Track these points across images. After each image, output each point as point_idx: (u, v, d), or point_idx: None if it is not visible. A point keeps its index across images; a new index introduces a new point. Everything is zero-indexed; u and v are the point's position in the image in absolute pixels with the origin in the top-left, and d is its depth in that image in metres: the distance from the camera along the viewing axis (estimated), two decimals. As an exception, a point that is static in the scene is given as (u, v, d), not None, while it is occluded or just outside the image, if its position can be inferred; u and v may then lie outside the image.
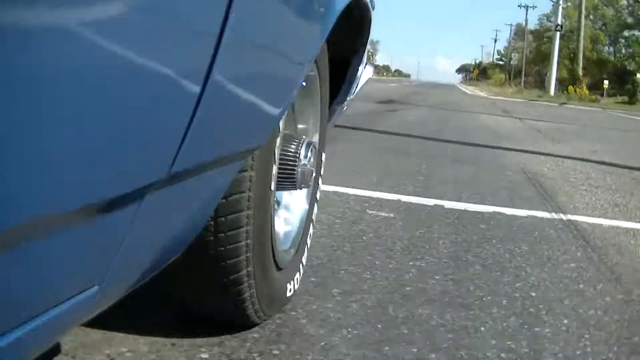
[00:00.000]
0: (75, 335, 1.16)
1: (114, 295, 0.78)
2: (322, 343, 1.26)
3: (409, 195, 2.89)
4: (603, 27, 51.22)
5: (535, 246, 2.20)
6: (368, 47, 1.90)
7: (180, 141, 0.66)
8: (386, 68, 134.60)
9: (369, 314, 1.43)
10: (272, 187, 1.17)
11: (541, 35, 56.86)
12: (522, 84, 49.03)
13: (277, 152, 1.19)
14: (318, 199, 1.61)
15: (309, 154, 1.33)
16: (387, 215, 2.45)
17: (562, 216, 2.78)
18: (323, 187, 1.77)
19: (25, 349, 0.59)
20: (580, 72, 38.02)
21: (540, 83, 42.85)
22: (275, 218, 1.29)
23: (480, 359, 1.27)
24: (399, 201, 2.74)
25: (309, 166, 1.33)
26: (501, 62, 78.29)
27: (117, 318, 1.18)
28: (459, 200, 2.92)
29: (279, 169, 1.24)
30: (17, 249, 0.49)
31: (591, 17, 49.72)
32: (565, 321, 1.52)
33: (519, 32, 68.31)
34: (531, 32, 60.81)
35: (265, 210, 1.14)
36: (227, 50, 0.67)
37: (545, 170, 4.31)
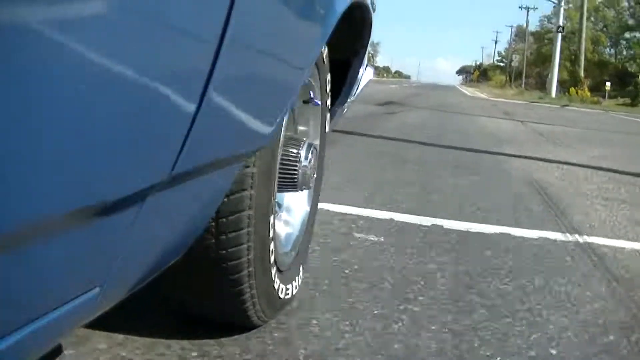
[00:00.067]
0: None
1: (115, 297, 0.78)
2: None
3: (403, 213, 2.54)
4: (604, 29, 50.96)
5: (550, 280, 1.85)
6: (369, 48, 1.92)
7: (182, 143, 0.66)
8: (386, 69, 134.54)
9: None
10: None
11: (542, 37, 56.63)
12: (523, 85, 48.69)
13: (278, 153, 1.19)
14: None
15: (310, 155, 1.34)
16: (376, 239, 2.11)
17: (577, 238, 2.43)
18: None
19: (25, 352, 0.59)
20: (582, 74, 37.64)
21: (541, 85, 42.54)
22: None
23: None
24: (391, 220, 2.40)
25: (309, 168, 1.34)
26: (502, 64, 78.00)
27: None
28: (459, 217, 2.57)
29: (280, 170, 1.25)
30: (18, 250, 0.49)
31: (592, 18, 49.51)
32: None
33: (520, 33, 68.08)
34: (532, 33, 60.57)
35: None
36: (229, 54, 0.67)
37: (553, 180, 3.96)
